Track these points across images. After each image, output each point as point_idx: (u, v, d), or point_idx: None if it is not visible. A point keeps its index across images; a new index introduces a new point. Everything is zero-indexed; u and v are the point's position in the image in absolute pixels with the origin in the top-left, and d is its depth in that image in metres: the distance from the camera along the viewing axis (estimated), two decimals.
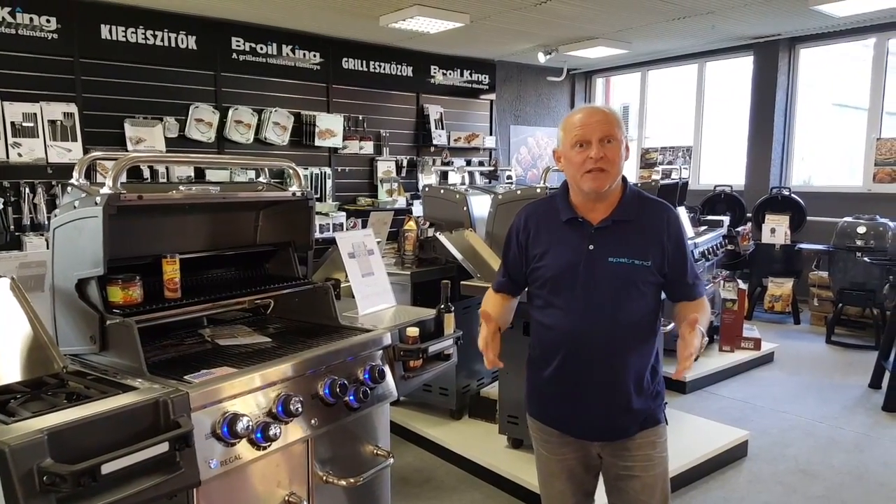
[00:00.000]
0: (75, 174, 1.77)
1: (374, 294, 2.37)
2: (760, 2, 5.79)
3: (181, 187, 1.91)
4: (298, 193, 2.07)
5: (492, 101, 8.32)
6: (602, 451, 1.86)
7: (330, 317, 2.15)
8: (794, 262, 6.78)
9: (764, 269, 6.74)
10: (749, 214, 7.12)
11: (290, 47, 6.49)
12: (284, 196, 2.08)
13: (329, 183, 6.80)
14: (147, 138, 5.51)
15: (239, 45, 6.16)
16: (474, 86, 8.13)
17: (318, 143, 6.59)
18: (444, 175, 4.60)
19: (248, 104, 6.17)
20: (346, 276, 2.52)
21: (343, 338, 1.98)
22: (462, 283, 2.97)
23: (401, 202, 7.09)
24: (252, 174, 5.91)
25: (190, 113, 5.78)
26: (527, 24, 6.38)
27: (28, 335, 1.61)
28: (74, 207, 1.65)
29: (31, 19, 5.00)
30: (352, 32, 6.69)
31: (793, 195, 6.96)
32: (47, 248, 4.80)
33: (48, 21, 5.07)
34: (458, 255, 3.03)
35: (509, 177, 4.09)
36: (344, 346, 1.89)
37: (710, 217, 6.19)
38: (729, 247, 5.74)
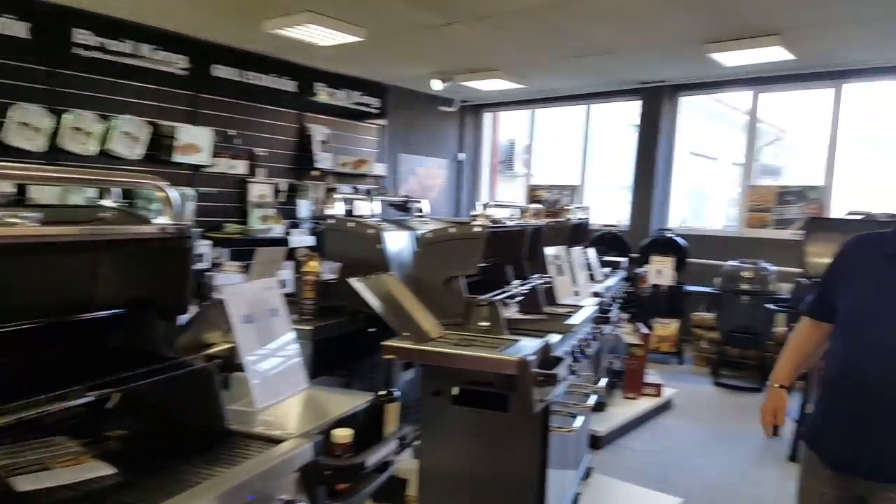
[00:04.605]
0: None
1: (277, 374, 1.65)
2: (657, 47, 5.81)
3: None
4: (171, 228, 1.33)
5: (382, 127, 7.75)
6: (865, 490, 1.76)
7: (213, 415, 1.41)
8: (678, 303, 6.87)
9: (650, 311, 6.68)
10: (634, 255, 7.06)
11: (150, 47, 5.50)
12: (148, 231, 1.32)
13: (190, 206, 5.79)
14: None
15: (83, 39, 5.08)
16: (363, 108, 7.51)
17: (176, 158, 5.58)
18: (344, 202, 3.86)
19: (92, 108, 5.07)
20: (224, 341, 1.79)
21: (237, 457, 1.26)
22: (382, 343, 2.31)
23: (277, 231, 6.25)
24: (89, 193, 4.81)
25: (9, 114, 4.58)
26: (426, 46, 5.94)
27: None
28: None
29: None
30: (227, 37, 5.84)
31: (676, 237, 7.05)
32: None
33: None
34: (379, 308, 2.39)
35: (420, 209, 3.51)
36: (241, 479, 1.17)
37: (607, 258, 6.02)
38: (630, 289, 5.56)
